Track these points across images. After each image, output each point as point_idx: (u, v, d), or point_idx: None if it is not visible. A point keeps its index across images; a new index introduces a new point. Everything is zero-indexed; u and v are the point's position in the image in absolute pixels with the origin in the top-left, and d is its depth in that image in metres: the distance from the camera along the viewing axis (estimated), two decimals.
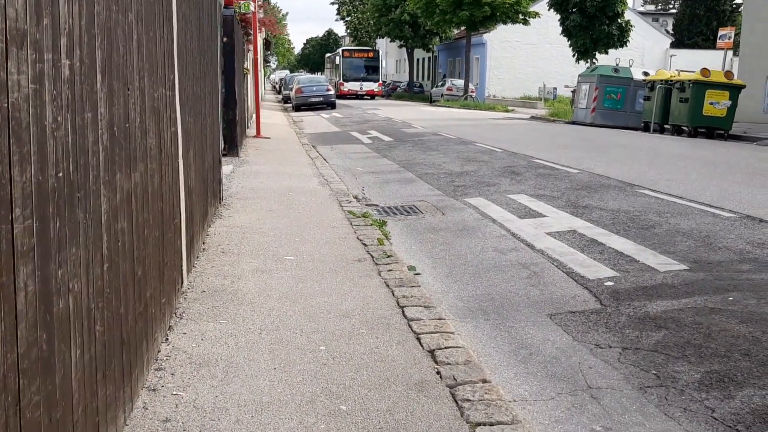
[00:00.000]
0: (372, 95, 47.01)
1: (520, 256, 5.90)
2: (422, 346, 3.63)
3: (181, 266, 4.17)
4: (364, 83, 47.18)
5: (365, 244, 5.86)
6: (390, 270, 5.09)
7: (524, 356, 3.86)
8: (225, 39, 11.44)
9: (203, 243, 5.57)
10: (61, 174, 1.78)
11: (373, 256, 5.46)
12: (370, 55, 49.76)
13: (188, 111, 4.57)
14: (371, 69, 48.56)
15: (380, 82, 49.10)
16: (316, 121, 24.67)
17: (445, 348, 3.60)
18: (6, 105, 1.37)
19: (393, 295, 4.49)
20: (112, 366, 2.35)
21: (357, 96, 46.71)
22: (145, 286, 2.98)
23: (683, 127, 19.10)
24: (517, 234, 6.66)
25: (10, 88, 1.37)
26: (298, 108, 32.27)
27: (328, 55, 66.59)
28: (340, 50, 51.84)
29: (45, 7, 1.57)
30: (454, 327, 4.09)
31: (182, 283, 4.23)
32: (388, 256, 5.48)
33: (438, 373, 3.30)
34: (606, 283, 5.11)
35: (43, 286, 1.66)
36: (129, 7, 2.63)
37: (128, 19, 2.61)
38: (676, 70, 22.44)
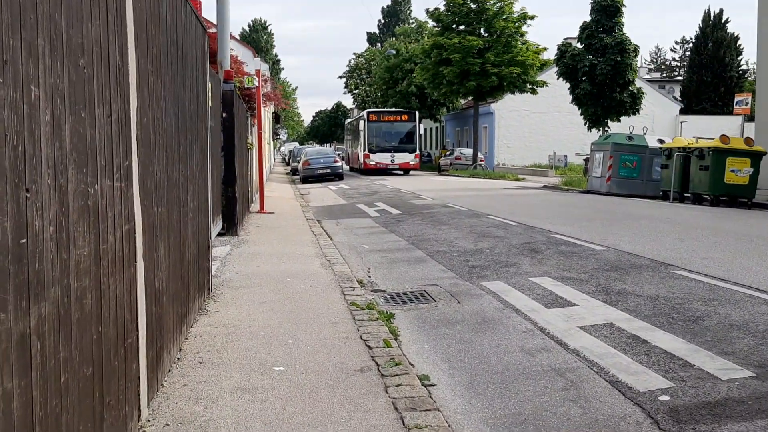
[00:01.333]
0: (406, 169, 38.43)
1: (552, 359, 5.03)
2: None
3: (138, 396, 3.34)
4: (396, 154, 38.11)
5: (369, 347, 5.03)
6: (399, 384, 4.23)
7: None
8: (224, 114, 10.93)
9: (180, 350, 4.75)
10: None
11: (378, 364, 4.62)
12: (404, 118, 39.99)
13: (157, 201, 3.84)
14: (405, 136, 39.21)
15: (417, 152, 39.30)
16: (323, 193, 24.11)
17: None
18: None
19: (403, 423, 3.62)
20: None
21: (387, 171, 38.18)
22: None
23: (704, 196, 18.34)
24: (545, 329, 5.80)
25: None
26: (305, 180, 31.90)
27: (348, 120, 55.58)
28: (364, 113, 41.28)
29: None
30: None
31: (140, 417, 3.39)
32: (397, 364, 4.63)
33: None
34: (660, 398, 4.22)
35: None
36: (33, 81, 1.92)
37: (31, 97, 1.90)
38: (694, 137, 21.85)
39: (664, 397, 4.23)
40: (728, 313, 6.06)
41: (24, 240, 1.87)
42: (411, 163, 38.57)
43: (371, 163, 38.26)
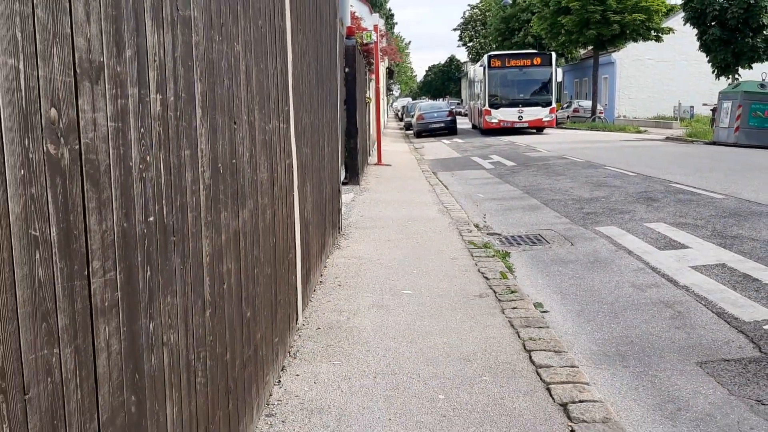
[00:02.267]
0: (539, 127, 30.39)
1: (661, 293, 5.33)
2: (553, 398, 3.26)
3: (296, 302, 4.04)
4: (525, 109, 30.13)
5: (487, 278, 5.53)
6: (514, 307, 4.73)
7: (671, 412, 3.38)
8: (347, 69, 11.57)
9: (321, 275, 5.46)
10: (151, 218, 1.63)
11: (495, 292, 5.12)
12: (537, 61, 31.30)
13: (305, 143, 4.48)
14: (538, 84, 30.98)
15: (553, 106, 30.72)
16: (437, 147, 24.54)
17: (580, 402, 3.20)
18: (78, 147, 1.23)
19: (518, 336, 4.13)
20: (215, 419, 2.20)
21: (514, 129, 30.22)
22: (255, 328, 2.84)
23: None
24: (656, 268, 6.07)
25: (82, 128, 1.23)
26: (419, 134, 32.38)
27: (471, 67, 45.97)
28: (485, 58, 33.23)
29: (128, 37, 1.44)
30: (589, 375, 3.67)
31: (297, 320, 4.10)
32: (512, 292, 5.12)
33: (572, 431, 2.92)
34: (765, 327, 4.47)
35: (131, 343, 1.51)
36: (235, 38, 2.52)
37: (234, 51, 2.50)
38: None
39: None
40: None
41: (234, 160, 2.50)
42: (545, 119, 29.95)
43: (492, 120, 30.15)
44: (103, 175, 1.36)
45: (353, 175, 12.00)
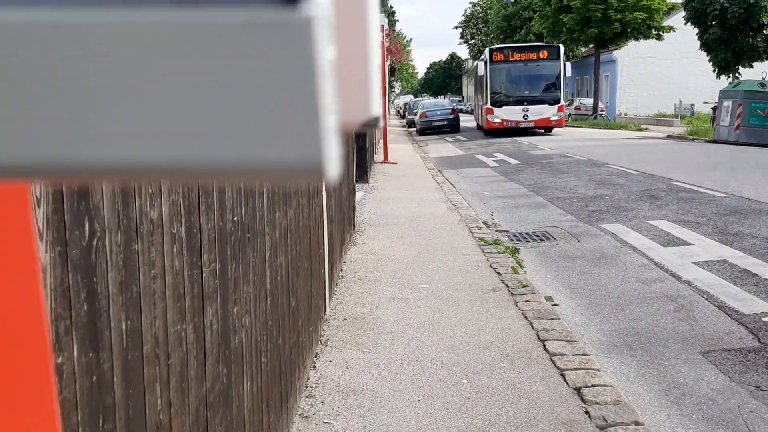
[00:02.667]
0: (547, 127, 27.21)
1: (665, 288, 5.61)
2: (567, 383, 3.53)
3: (325, 294, 4.32)
4: (531, 107, 26.87)
5: (499, 273, 5.80)
6: (527, 300, 5.00)
7: (677, 397, 3.66)
8: None
9: (341, 270, 5.74)
10: (236, 218, 1.90)
11: (508, 286, 5.40)
12: (543, 55, 28.07)
13: None
14: (544, 80, 27.67)
15: (561, 104, 27.39)
16: (441, 145, 24.81)
17: (592, 386, 3.48)
18: None
19: (532, 327, 4.40)
20: (273, 395, 2.47)
21: (519, 130, 26.94)
22: (298, 316, 3.12)
23: None
24: (660, 263, 6.34)
25: None
26: (422, 132, 32.61)
27: (477, 63, 40.41)
28: (486, 52, 30.22)
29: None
30: (599, 363, 3.94)
31: (325, 311, 4.38)
32: (524, 286, 5.39)
33: (586, 412, 3.19)
34: (764, 319, 4.74)
35: (224, 323, 1.78)
36: None
37: None
38: None
39: (767, 319, 4.75)
40: None
41: None
42: (553, 119, 26.59)
43: (495, 120, 26.59)
44: (209, 182, 1.64)
45: (362, 174, 12.27)
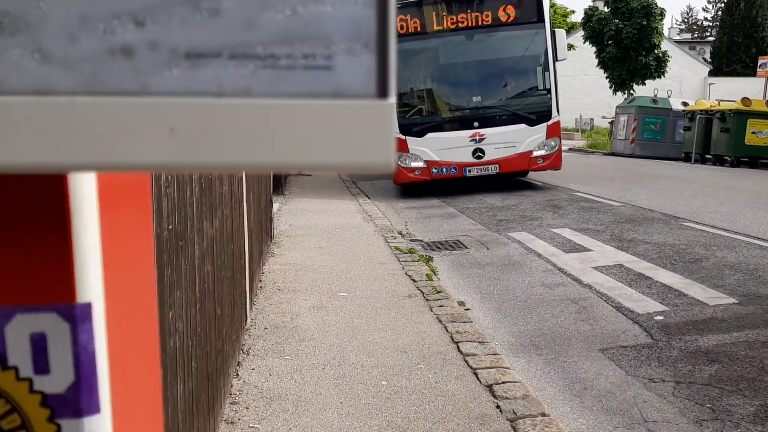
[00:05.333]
0: (520, 172, 13.24)
1: (568, 291, 5.99)
2: (480, 381, 3.76)
3: (245, 304, 4.39)
4: (487, 130, 12.06)
5: (414, 280, 6.02)
6: (441, 306, 5.23)
7: (579, 390, 3.95)
8: None
9: (260, 281, 5.80)
10: (171, 226, 2.00)
11: (423, 292, 5.62)
12: (509, 14, 12.10)
13: None
14: (516, 73, 12.64)
15: (554, 119, 12.20)
16: None
17: (502, 383, 3.72)
18: None
19: (446, 330, 4.63)
20: (201, 400, 2.55)
21: (465, 181, 12.57)
22: (222, 324, 3.19)
23: (725, 158, 18.94)
24: (563, 269, 6.75)
25: None
26: None
27: None
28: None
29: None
30: (508, 362, 4.20)
31: (246, 320, 4.44)
32: (438, 292, 5.63)
33: (498, 407, 3.42)
34: (656, 318, 5.17)
35: (161, 327, 1.87)
36: None
37: None
38: (716, 99, 22.34)
39: (659, 317, 5.18)
40: (724, 256, 6.95)
41: (210, 176, 2.86)
42: (538, 154, 12.37)
43: (413, 166, 12.38)
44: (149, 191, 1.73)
45: (277, 185, 12.29)
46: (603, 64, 29.90)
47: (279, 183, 12.34)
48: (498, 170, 12.27)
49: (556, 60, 12.04)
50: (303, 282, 5.91)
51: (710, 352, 4.40)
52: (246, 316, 4.44)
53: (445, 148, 12.03)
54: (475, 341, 4.42)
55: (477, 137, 12.06)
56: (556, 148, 12.35)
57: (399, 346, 4.32)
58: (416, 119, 12.38)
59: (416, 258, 6.97)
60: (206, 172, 2.74)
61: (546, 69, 12.18)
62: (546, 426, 3.20)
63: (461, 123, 12.22)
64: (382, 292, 5.61)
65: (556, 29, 12.25)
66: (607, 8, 29.46)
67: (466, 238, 8.52)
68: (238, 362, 3.88)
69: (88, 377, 0.58)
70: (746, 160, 18.62)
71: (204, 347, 2.65)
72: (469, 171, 12.26)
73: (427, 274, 6.20)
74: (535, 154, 12.25)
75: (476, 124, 12.10)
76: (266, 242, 6.87)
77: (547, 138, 12.18)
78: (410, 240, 8.40)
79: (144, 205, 0.70)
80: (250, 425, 3.12)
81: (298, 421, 3.19)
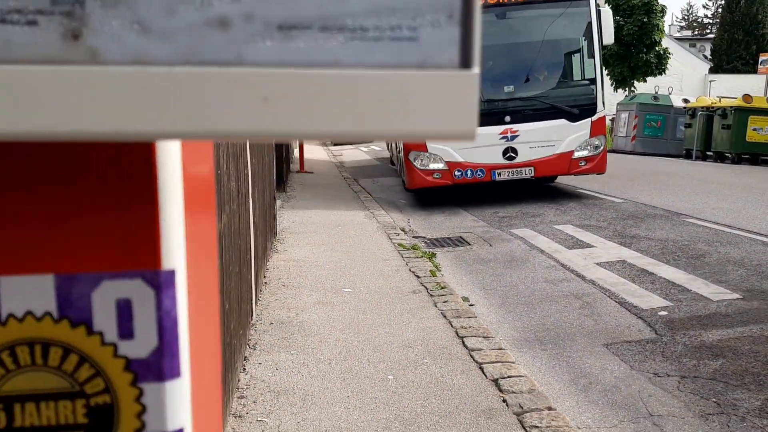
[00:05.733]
0: (551, 176, 11.29)
1: (571, 287, 6.00)
2: (485, 375, 3.77)
3: (251, 299, 4.40)
4: (521, 126, 10.10)
5: (418, 276, 6.04)
6: (445, 301, 5.25)
7: (584, 385, 3.97)
8: None
9: (264, 277, 5.81)
10: None
11: (427, 288, 5.63)
12: None
13: (254, 154, 4.84)
14: (556, 58, 10.47)
15: (600, 114, 10.34)
16: (355, 154, 25.05)
17: (508, 377, 3.74)
18: None
19: (451, 326, 4.64)
20: None
21: (494, 186, 10.87)
22: (230, 319, 3.21)
23: (726, 154, 18.94)
24: (566, 265, 6.76)
25: None
26: (336, 142, 32.82)
27: None
28: None
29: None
30: (514, 357, 4.22)
31: (252, 316, 4.46)
32: (442, 288, 5.64)
33: (504, 401, 3.44)
34: (660, 313, 5.18)
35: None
36: None
37: None
38: (717, 97, 22.34)
39: (663, 313, 5.19)
40: (727, 252, 6.96)
41: (219, 171, 2.87)
42: (580, 155, 10.34)
43: (431, 168, 10.42)
44: None
45: (280, 183, 12.30)
46: (604, 61, 29.88)
47: (281, 180, 12.35)
48: (533, 174, 10.33)
49: (602, 44, 10.27)
50: (307, 278, 5.93)
51: (714, 347, 4.41)
52: (252, 311, 4.45)
53: (470, 146, 9.96)
54: (479, 336, 4.43)
55: (509, 134, 10.11)
56: (601, 148, 10.42)
57: (404, 341, 4.34)
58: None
59: (419, 254, 6.98)
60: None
61: (591, 54, 10.26)
62: (553, 420, 3.21)
63: (490, 117, 9.80)
64: (386, 288, 5.63)
65: (601, 8, 10.22)
66: (608, 5, 29.44)
67: (468, 234, 8.54)
68: (245, 357, 3.90)
69: (171, 343, 0.60)
70: (747, 156, 18.62)
71: None
72: (499, 174, 10.28)
73: (430, 270, 6.21)
74: (576, 155, 10.28)
75: (508, 118, 10.08)
76: (270, 239, 6.88)
77: (591, 136, 10.27)
78: (413, 236, 8.41)
79: (209, 185, 0.73)
80: (258, 419, 3.14)
81: (305, 415, 3.21)
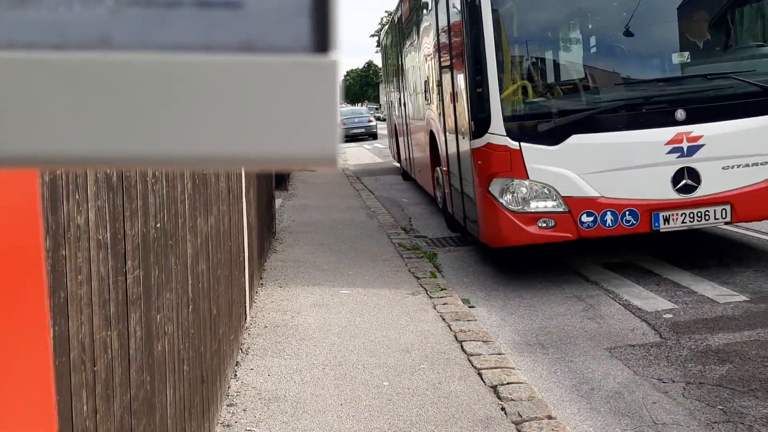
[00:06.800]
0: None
1: (574, 288, 5.88)
2: (484, 381, 3.66)
3: (245, 302, 4.30)
4: (704, 127, 5.35)
5: (418, 277, 5.92)
6: (445, 303, 5.13)
7: (586, 391, 3.85)
8: None
9: (261, 278, 5.71)
10: (159, 224, 1.90)
11: (426, 290, 5.52)
12: None
13: None
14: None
15: None
16: (359, 153, 24.95)
17: (508, 384, 3.62)
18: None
19: (450, 329, 4.53)
20: (194, 403, 2.46)
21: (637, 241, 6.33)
22: (219, 324, 3.10)
23: None
24: (570, 264, 6.64)
25: None
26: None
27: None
28: None
29: None
30: (514, 361, 4.10)
31: (246, 319, 4.36)
32: (442, 289, 5.53)
33: (503, 409, 3.32)
34: (665, 316, 5.06)
35: (147, 330, 1.77)
36: None
37: None
38: None
39: (668, 316, 5.06)
40: (734, 253, 6.82)
41: (205, 172, 2.77)
42: None
43: (527, 209, 5.50)
44: (133, 188, 1.63)
45: (280, 181, 12.21)
46: None
47: (282, 179, 12.26)
48: (729, 216, 5.73)
49: None
50: (304, 279, 5.82)
51: (721, 352, 4.28)
52: (245, 314, 4.35)
53: (609, 168, 5.50)
54: (479, 340, 4.32)
55: (684, 143, 5.47)
56: None
57: (402, 345, 4.23)
58: (543, 107, 5.74)
59: (420, 255, 6.87)
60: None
61: None
62: (552, 429, 3.10)
63: (647, 113, 5.64)
64: (385, 290, 5.52)
65: None
66: None
67: (470, 235, 8.41)
68: (237, 362, 3.80)
69: None
70: None
71: (198, 349, 2.56)
72: (666, 220, 5.66)
73: (431, 272, 6.10)
74: None
75: (681, 114, 5.48)
76: (268, 239, 6.78)
77: None
78: (414, 236, 8.30)
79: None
80: (247, 428, 3.04)
81: (296, 424, 3.10)
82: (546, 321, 5.06)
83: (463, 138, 6.26)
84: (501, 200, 5.55)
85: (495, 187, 5.55)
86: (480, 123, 5.54)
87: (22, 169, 0.29)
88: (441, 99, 7.47)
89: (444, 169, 7.69)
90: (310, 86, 0.28)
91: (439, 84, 7.52)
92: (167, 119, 0.27)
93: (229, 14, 0.28)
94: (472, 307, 5.35)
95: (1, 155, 0.27)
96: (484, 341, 4.30)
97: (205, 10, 0.28)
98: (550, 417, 3.23)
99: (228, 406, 3.27)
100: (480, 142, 5.56)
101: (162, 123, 0.27)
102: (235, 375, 3.65)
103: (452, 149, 7.02)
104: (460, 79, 6.20)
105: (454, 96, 6.67)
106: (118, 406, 1.50)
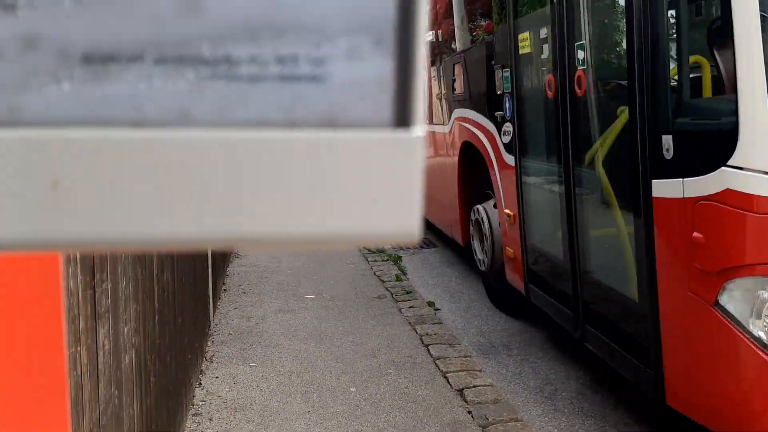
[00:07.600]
0: None
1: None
2: (451, 385, 3.69)
3: (208, 309, 4.25)
4: None
5: (383, 281, 5.93)
6: (411, 307, 5.15)
7: (550, 392, 3.91)
8: None
9: (224, 284, 5.65)
10: None
11: (392, 293, 5.53)
12: None
13: None
14: None
15: None
16: None
17: (473, 387, 3.66)
18: None
19: (416, 332, 4.55)
20: (161, 416, 2.42)
21: None
22: (184, 334, 3.06)
23: None
24: None
25: None
26: None
27: None
28: None
29: None
30: (480, 364, 4.14)
31: (209, 326, 4.30)
32: (408, 293, 5.55)
33: (469, 412, 3.35)
34: None
35: (115, 343, 1.74)
36: None
37: None
38: None
39: None
40: None
41: None
42: None
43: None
44: None
45: None
46: None
47: None
48: None
49: None
50: (269, 284, 5.78)
51: None
52: (209, 321, 4.30)
53: None
54: (445, 343, 4.35)
55: None
56: None
57: (368, 350, 4.23)
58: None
59: (385, 258, 6.88)
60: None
61: None
62: (519, 431, 3.14)
63: None
64: (350, 294, 5.51)
65: None
66: None
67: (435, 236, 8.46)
68: (201, 370, 3.75)
69: None
70: None
71: (164, 360, 2.52)
72: None
73: (396, 275, 6.11)
74: None
75: None
76: None
77: None
78: None
79: None
80: None
81: None
82: (510, 322, 5.12)
83: (608, 166, 3.38)
84: (752, 328, 2.48)
85: (736, 295, 2.53)
86: (702, 145, 2.66)
87: (98, 251, 0.28)
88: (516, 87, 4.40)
89: (510, 213, 4.63)
90: (394, 162, 0.28)
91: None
92: (249, 198, 0.27)
93: (312, 88, 0.28)
94: (438, 309, 5.38)
95: (78, 237, 0.26)
96: (449, 344, 4.33)
97: (289, 84, 0.27)
98: (516, 419, 3.27)
99: (194, 415, 3.23)
100: (699, 187, 2.60)
101: (244, 202, 0.27)
102: (200, 383, 3.60)
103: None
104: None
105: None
106: (87, 422, 1.47)
